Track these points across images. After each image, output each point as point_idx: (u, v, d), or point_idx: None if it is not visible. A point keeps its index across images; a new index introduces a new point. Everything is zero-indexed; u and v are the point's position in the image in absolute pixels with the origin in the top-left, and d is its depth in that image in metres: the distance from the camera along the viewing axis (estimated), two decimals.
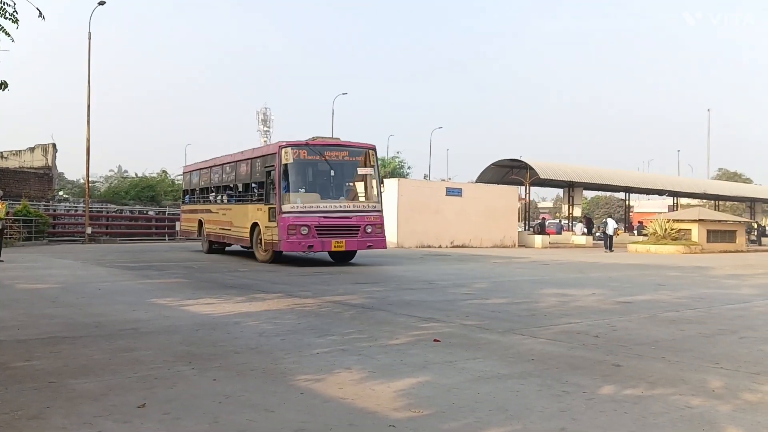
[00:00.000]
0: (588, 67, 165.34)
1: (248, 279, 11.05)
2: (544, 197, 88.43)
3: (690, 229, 27.38)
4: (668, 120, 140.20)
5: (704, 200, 49.48)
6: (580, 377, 4.21)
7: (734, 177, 61.99)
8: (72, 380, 3.96)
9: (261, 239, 14.73)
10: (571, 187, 33.49)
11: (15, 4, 5.83)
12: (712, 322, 6.86)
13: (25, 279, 10.56)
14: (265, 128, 71.48)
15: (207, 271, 12.70)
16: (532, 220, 43.11)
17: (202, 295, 8.41)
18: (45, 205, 26.75)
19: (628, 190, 39.57)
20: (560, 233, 37.53)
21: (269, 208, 14.13)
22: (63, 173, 54.14)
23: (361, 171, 14.70)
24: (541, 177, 29.97)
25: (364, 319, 6.63)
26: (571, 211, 35.13)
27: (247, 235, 15.47)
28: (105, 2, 25.09)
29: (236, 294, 8.65)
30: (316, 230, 13.63)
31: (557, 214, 64.55)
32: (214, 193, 18.78)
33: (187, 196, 21.54)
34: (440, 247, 25.55)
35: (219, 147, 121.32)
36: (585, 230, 35.24)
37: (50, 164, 29.71)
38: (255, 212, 15.07)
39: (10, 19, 5.84)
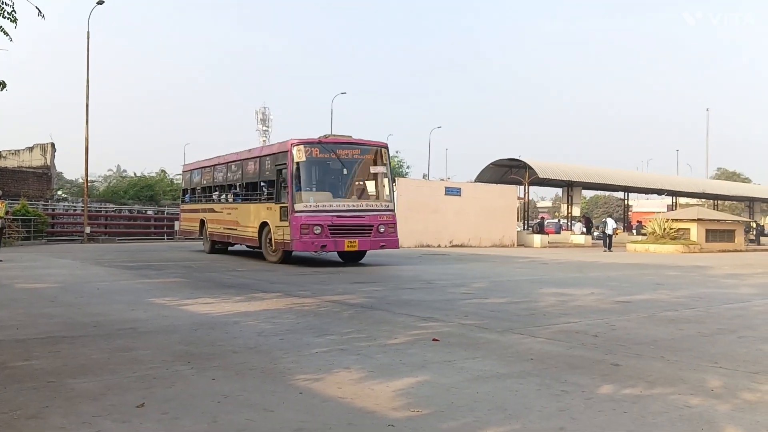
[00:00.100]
0: (588, 67, 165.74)
1: (247, 278, 11.04)
2: (543, 197, 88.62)
3: (689, 229, 27.41)
4: (667, 120, 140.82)
5: (703, 200, 49.62)
6: (579, 377, 4.20)
7: (733, 176, 62.08)
8: (71, 380, 3.96)
9: (271, 239, 14.45)
10: (570, 186, 33.54)
11: (13, 3, 5.83)
12: (711, 321, 6.86)
13: (24, 278, 10.55)
14: (264, 128, 71.46)
15: (206, 270, 12.69)
16: (531, 219, 43.10)
17: (200, 295, 8.40)
18: (44, 205, 26.72)
19: (627, 189, 39.65)
20: (559, 233, 37.58)
21: (280, 207, 13.90)
22: (62, 173, 54.09)
23: (374, 170, 14.53)
24: (540, 176, 30.01)
25: (363, 318, 6.63)
26: (570, 211, 35.20)
27: (255, 234, 15.16)
28: (104, 2, 25.06)
29: (235, 293, 8.64)
30: (329, 230, 13.40)
31: (556, 214, 64.59)
32: (217, 192, 18.43)
33: (187, 195, 21.30)
34: (439, 246, 25.55)
35: (218, 147, 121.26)
36: (584, 230, 35.24)
37: (49, 164, 29.67)
38: (264, 211, 14.79)
39: (8, 18, 5.84)
